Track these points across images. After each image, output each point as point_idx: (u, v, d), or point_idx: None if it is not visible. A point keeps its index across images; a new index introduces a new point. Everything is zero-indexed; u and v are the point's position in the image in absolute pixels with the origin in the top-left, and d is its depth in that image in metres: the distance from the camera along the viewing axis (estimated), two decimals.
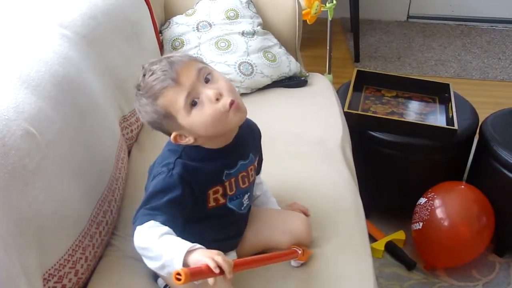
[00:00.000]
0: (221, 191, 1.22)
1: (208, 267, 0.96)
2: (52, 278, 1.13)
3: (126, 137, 1.69)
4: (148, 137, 1.78)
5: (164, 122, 1.14)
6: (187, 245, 1.01)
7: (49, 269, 1.12)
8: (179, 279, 0.91)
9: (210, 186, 1.20)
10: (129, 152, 1.71)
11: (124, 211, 1.49)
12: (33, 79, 1.20)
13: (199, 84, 1.12)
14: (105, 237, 1.37)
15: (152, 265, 1.07)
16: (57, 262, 1.14)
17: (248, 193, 1.30)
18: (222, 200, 1.23)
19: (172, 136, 1.16)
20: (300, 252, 1.28)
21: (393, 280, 2.02)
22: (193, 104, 1.12)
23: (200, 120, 1.12)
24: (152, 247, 1.05)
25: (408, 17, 4.18)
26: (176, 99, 1.11)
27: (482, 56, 3.66)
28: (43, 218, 1.09)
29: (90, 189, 1.33)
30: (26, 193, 1.05)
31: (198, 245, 1.02)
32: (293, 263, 1.31)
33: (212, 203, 1.21)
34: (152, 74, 1.12)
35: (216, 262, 0.96)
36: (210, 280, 0.97)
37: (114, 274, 1.30)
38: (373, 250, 1.96)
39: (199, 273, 0.96)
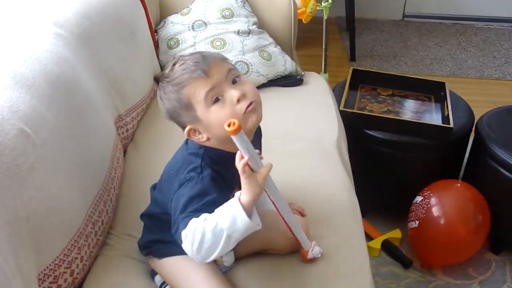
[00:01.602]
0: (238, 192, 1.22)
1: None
2: (48, 278, 1.12)
3: (121, 136, 1.68)
4: (144, 137, 1.77)
5: (183, 113, 1.15)
6: (233, 198, 1.04)
7: (44, 269, 1.11)
8: (233, 125, 0.98)
9: (234, 188, 1.19)
10: (124, 152, 1.70)
11: (120, 210, 1.49)
12: (27, 78, 1.20)
13: (226, 83, 1.14)
14: (101, 236, 1.37)
15: (218, 252, 1.05)
16: (52, 262, 1.14)
17: None
18: None
19: (186, 129, 1.16)
20: (307, 249, 1.29)
21: (389, 279, 2.02)
22: (216, 100, 1.12)
23: (218, 118, 1.12)
24: (206, 231, 1.03)
25: (404, 16, 4.18)
26: (200, 91, 1.12)
27: (478, 55, 3.67)
28: (38, 218, 1.09)
29: (85, 188, 1.32)
30: (21, 193, 1.04)
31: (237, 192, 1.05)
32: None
33: None
34: (183, 63, 1.14)
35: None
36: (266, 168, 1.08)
37: (110, 274, 1.30)
38: (369, 248, 1.96)
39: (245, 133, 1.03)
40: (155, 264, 1.29)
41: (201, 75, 1.11)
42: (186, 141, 1.23)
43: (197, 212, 1.07)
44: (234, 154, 1.17)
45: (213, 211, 1.07)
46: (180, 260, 1.23)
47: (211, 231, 1.03)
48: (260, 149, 1.35)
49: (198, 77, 1.12)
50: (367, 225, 2.16)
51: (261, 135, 1.36)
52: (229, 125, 0.98)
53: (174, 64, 1.16)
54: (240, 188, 1.18)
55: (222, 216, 1.03)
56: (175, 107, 1.15)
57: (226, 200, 1.14)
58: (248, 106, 1.13)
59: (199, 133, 1.16)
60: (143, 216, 1.33)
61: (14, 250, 1.01)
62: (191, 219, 1.06)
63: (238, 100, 1.12)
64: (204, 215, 1.05)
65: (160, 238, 1.26)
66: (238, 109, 1.13)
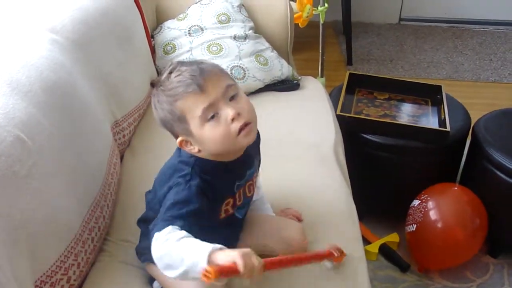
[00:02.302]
0: (231, 202, 1.22)
1: (236, 266, 0.95)
2: (44, 285, 1.12)
3: (118, 142, 1.68)
4: (140, 142, 1.77)
5: (176, 124, 1.13)
6: (209, 245, 0.99)
7: (41, 276, 1.11)
8: (207, 277, 0.91)
9: (224, 198, 1.20)
10: (121, 157, 1.70)
11: (117, 216, 1.49)
12: (23, 84, 1.20)
13: (223, 101, 1.11)
14: (98, 243, 1.36)
15: (172, 273, 1.03)
16: (49, 269, 1.14)
17: (250, 200, 1.31)
18: (231, 211, 1.23)
19: (178, 140, 1.15)
20: (336, 254, 1.28)
21: (387, 283, 2.02)
22: (211, 117, 1.10)
23: (211, 136, 1.11)
24: (172, 252, 1.02)
25: (400, 19, 4.19)
26: (195, 107, 1.10)
27: (474, 58, 3.68)
28: (34, 225, 1.09)
29: (82, 194, 1.32)
30: (17, 200, 1.04)
31: (220, 245, 0.99)
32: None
33: (223, 215, 1.22)
34: (179, 75, 1.11)
35: (245, 260, 0.96)
36: (246, 282, 0.98)
37: (107, 280, 1.30)
38: (367, 252, 1.96)
39: (227, 271, 0.95)
40: (152, 270, 1.28)
41: (196, 91, 1.09)
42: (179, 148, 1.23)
43: (177, 219, 1.07)
44: (225, 164, 1.18)
45: (192, 221, 1.07)
46: None
47: (175, 254, 1.01)
48: (258, 153, 1.35)
49: (193, 92, 1.09)
50: (364, 229, 2.16)
51: (259, 140, 1.36)
52: (204, 274, 0.93)
53: (170, 72, 1.13)
54: (233, 198, 1.18)
55: (191, 253, 1.00)
56: (168, 117, 1.13)
57: (213, 210, 1.16)
58: (242, 128, 1.12)
59: (191, 144, 1.15)
60: (140, 221, 1.34)
61: (10, 257, 1.01)
62: (168, 225, 1.05)
63: (233, 119, 1.11)
64: (181, 234, 1.03)
65: None
66: (232, 128, 1.11)
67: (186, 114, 1.10)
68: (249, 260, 0.96)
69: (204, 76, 1.10)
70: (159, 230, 1.06)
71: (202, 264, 0.97)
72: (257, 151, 1.34)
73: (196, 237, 1.05)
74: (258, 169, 1.37)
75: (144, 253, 1.30)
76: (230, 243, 1.30)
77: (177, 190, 1.12)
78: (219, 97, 1.10)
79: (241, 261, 0.95)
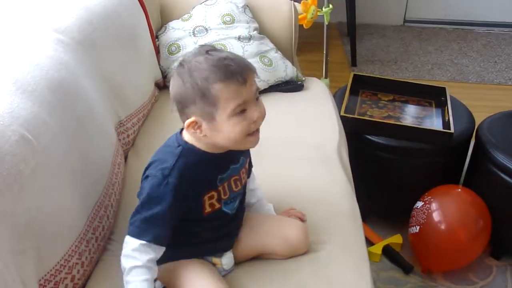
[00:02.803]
0: (216, 196, 1.21)
1: None
2: (48, 283, 1.12)
3: (122, 142, 1.69)
4: (144, 142, 1.78)
5: (199, 104, 1.10)
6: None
7: (45, 275, 1.12)
8: None
9: (205, 192, 1.20)
10: (125, 157, 1.70)
11: (121, 216, 1.49)
12: (28, 84, 1.20)
13: (253, 100, 1.13)
14: (102, 242, 1.37)
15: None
16: (53, 268, 1.14)
17: (241, 196, 1.31)
18: (217, 205, 1.23)
19: (190, 120, 1.13)
20: None
21: (390, 284, 2.02)
22: (239, 112, 1.11)
23: (231, 129, 1.12)
24: (123, 263, 1.16)
25: (405, 21, 4.19)
26: (232, 98, 1.10)
27: (478, 60, 3.67)
28: (39, 224, 1.09)
29: (86, 194, 1.33)
30: (22, 199, 1.04)
31: None
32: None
33: (208, 209, 1.21)
34: (225, 58, 1.11)
35: None
36: None
37: (111, 279, 1.29)
38: (370, 254, 1.96)
39: None
40: None
41: (239, 82, 1.09)
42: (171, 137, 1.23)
43: (149, 224, 1.14)
44: (210, 156, 1.18)
45: (165, 218, 1.15)
46: (178, 265, 1.24)
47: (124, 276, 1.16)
48: (249, 156, 1.35)
49: (236, 82, 1.09)
50: (367, 230, 2.16)
51: None
52: None
53: (208, 51, 1.11)
54: (216, 192, 1.20)
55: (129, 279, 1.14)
56: (193, 94, 1.10)
57: (194, 204, 1.18)
58: (254, 133, 1.15)
59: (200, 128, 1.13)
60: None
61: (15, 255, 1.01)
62: (137, 238, 1.14)
63: (255, 121, 1.14)
64: (138, 262, 1.14)
65: None
66: (251, 128, 1.14)
67: (220, 99, 1.09)
68: None
69: (248, 70, 1.12)
70: (131, 235, 1.15)
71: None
72: (247, 151, 1.33)
73: (180, 231, 1.18)
74: (249, 168, 1.36)
75: None
76: (229, 238, 1.31)
77: (153, 184, 1.15)
78: (252, 96, 1.13)
79: None
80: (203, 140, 1.16)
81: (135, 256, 1.14)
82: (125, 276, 1.15)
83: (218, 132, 1.13)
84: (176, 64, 1.19)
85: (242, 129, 1.13)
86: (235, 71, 1.10)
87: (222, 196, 1.23)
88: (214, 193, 1.21)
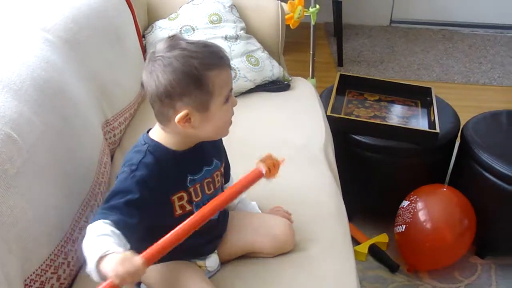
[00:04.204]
0: (186, 197, 1.18)
1: (112, 285, 0.93)
2: (34, 283, 1.12)
3: (109, 141, 1.68)
4: (131, 142, 1.76)
5: (195, 94, 1.06)
6: (100, 250, 0.96)
7: (31, 275, 1.11)
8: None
9: (173, 191, 1.17)
10: (112, 157, 1.70)
11: None
12: (14, 83, 1.20)
13: None
14: None
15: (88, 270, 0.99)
16: (39, 268, 1.14)
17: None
18: (188, 207, 1.19)
19: (182, 114, 1.08)
20: (265, 169, 1.11)
21: (376, 283, 2.03)
22: (226, 100, 1.12)
23: (222, 118, 1.13)
24: (85, 248, 1.00)
25: (391, 21, 4.21)
26: (225, 85, 1.10)
27: (464, 61, 3.70)
28: (24, 223, 1.08)
29: (72, 193, 1.32)
30: (7, 198, 1.04)
31: (111, 250, 0.95)
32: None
33: (179, 211, 1.18)
34: (208, 45, 1.09)
35: (120, 275, 0.92)
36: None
37: (97, 280, 1.29)
38: (356, 253, 1.97)
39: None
40: None
41: (229, 67, 1.10)
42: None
43: (114, 211, 1.04)
44: (176, 154, 1.16)
45: (132, 212, 1.06)
46: (161, 268, 1.21)
47: (86, 252, 0.99)
48: (225, 155, 1.34)
49: (227, 68, 1.09)
50: (354, 230, 2.17)
51: (221, 140, 1.33)
52: None
53: (189, 42, 1.08)
54: (186, 193, 1.16)
55: (91, 253, 0.97)
56: (190, 84, 1.06)
57: (163, 204, 1.14)
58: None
59: (189, 121, 1.10)
60: None
61: (0, 255, 1.00)
62: (101, 219, 1.02)
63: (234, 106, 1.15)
64: (103, 230, 1.00)
65: (136, 250, 1.24)
66: (232, 115, 1.15)
67: (213, 87, 1.08)
68: (124, 270, 0.92)
69: (227, 56, 1.12)
70: (92, 222, 1.04)
71: (91, 271, 0.96)
72: (222, 153, 1.32)
73: (152, 236, 1.01)
74: (226, 171, 1.35)
75: None
76: (211, 243, 1.29)
77: (121, 179, 1.11)
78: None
79: (115, 278, 0.92)
80: (181, 134, 1.13)
81: (96, 229, 1.01)
82: (87, 247, 1.00)
83: (208, 122, 1.11)
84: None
85: (230, 116, 1.14)
86: (224, 56, 1.10)
87: (194, 198, 1.19)
88: (184, 194, 1.18)
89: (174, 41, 1.09)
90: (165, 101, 1.08)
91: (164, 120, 1.12)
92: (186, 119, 1.09)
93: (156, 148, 1.15)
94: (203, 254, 1.28)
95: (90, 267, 0.97)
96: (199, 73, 1.06)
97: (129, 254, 0.94)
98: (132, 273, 0.92)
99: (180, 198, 1.18)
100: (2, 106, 1.12)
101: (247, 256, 1.34)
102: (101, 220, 1.03)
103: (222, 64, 1.09)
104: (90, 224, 1.03)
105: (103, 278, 0.95)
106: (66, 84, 1.42)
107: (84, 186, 1.40)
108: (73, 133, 1.38)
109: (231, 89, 1.13)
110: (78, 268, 1.31)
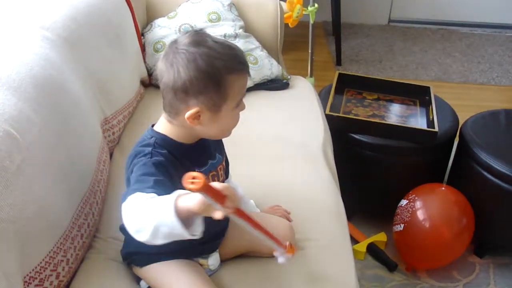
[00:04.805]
0: None
1: (221, 193, 0.89)
2: (33, 281, 1.12)
3: (107, 139, 1.68)
4: (130, 140, 1.77)
5: (211, 94, 1.06)
6: (171, 197, 0.93)
7: (30, 272, 1.11)
8: (194, 183, 0.83)
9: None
10: (110, 155, 1.70)
11: (106, 213, 1.48)
12: (13, 80, 1.20)
13: None
14: (87, 239, 1.36)
15: (144, 235, 0.96)
16: (38, 265, 1.14)
17: None
18: None
19: (193, 111, 1.07)
20: (286, 247, 1.17)
21: (375, 282, 2.03)
22: (237, 106, 1.13)
23: (230, 121, 1.14)
24: (140, 212, 0.97)
25: (390, 21, 4.21)
26: (240, 90, 1.11)
27: (462, 60, 3.71)
28: (23, 221, 1.08)
29: (71, 191, 1.32)
30: (6, 195, 1.04)
31: (182, 193, 0.93)
32: (279, 259, 1.20)
33: None
34: (233, 48, 1.09)
35: (227, 188, 0.90)
36: (218, 214, 0.89)
37: (96, 277, 1.29)
38: (355, 252, 1.97)
39: (213, 191, 0.88)
40: (137, 271, 1.28)
41: (247, 75, 1.11)
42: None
43: (146, 188, 1.01)
44: (187, 147, 1.16)
45: (162, 190, 1.00)
46: (161, 266, 1.22)
47: (143, 213, 0.96)
48: (222, 150, 1.33)
49: (247, 75, 1.11)
50: (352, 228, 2.17)
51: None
52: (192, 182, 0.84)
53: (215, 41, 1.08)
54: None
55: (158, 206, 0.95)
56: (209, 83, 1.05)
57: (176, 186, 1.05)
58: None
59: (198, 118, 1.09)
60: (122, 228, 1.31)
61: None
62: (137, 193, 0.99)
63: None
64: (149, 195, 0.97)
65: (136, 250, 1.25)
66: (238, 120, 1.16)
67: (230, 90, 1.08)
68: (228, 191, 0.90)
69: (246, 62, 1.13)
70: (124, 200, 1.01)
71: (169, 214, 0.91)
72: (222, 149, 1.32)
73: None
74: (225, 165, 1.35)
75: (126, 258, 1.30)
76: (216, 239, 1.30)
77: (140, 166, 1.08)
78: None
79: (225, 190, 0.90)
80: (187, 128, 1.13)
81: (140, 197, 0.98)
82: (142, 210, 0.97)
83: (216, 123, 1.12)
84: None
85: (237, 121, 1.15)
86: (246, 62, 1.11)
87: None
88: None
89: (200, 37, 1.08)
90: (179, 95, 1.08)
91: (173, 112, 1.12)
92: (196, 116, 1.09)
93: (163, 141, 1.15)
94: (206, 252, 1.28)
95: (169, 217, 0.91)
96: (220, 76, 1.06)
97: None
98: (236, 196, 0.90)
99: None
100: (1, 103, 1.12)
101: (247, 255, 1.35)
102: (138, 193, 1.00)
103: (243, 70, 1.10)
104: (124, 203, 1.00)
105: (187, 224, 0.92)
106: (65, 82, 1.42)
107: (83, 184, 1.40)
108: (72, 131, 1.38)
109: (244, 95, 1.13)
110: (77, 265, 1.31)
